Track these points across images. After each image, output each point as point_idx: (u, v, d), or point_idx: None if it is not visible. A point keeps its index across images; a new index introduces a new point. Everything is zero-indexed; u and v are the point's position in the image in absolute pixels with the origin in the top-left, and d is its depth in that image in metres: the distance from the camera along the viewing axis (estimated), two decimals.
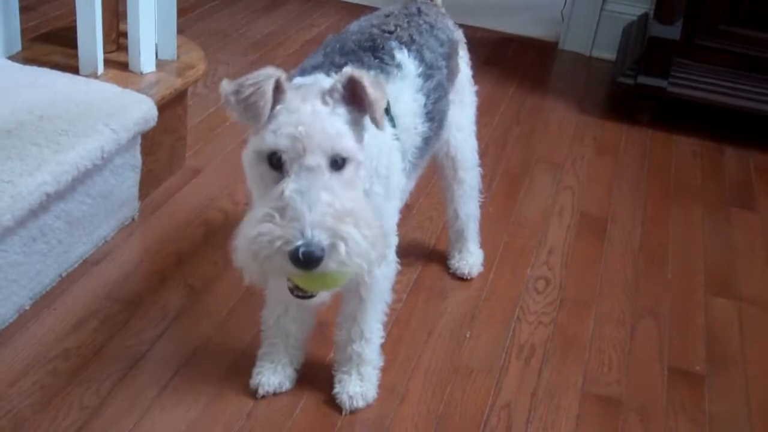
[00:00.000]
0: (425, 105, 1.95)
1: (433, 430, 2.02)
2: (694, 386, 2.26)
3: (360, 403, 2.03)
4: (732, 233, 2.98)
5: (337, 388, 2.05)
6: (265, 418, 1.99)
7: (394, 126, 1.87)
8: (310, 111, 1.55)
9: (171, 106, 2.66)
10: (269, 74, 1.53)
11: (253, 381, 2.05)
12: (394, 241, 1.96)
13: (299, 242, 1.46)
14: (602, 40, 4.28)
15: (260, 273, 1.54)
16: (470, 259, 2.55)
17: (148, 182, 2.64)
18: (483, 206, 2.57)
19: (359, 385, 2.04)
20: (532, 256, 2.70)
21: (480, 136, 2.63)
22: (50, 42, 2.74)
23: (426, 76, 1.97)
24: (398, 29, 2.01)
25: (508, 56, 4.27)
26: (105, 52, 2.63)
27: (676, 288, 2.64)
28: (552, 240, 2.80)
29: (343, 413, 2.02)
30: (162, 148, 2.70)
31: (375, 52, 1.89)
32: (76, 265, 2.36)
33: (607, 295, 2.57)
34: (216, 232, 2.61)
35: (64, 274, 2.32)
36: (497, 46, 4.39)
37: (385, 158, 1.80)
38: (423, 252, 2.65)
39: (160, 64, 2.69)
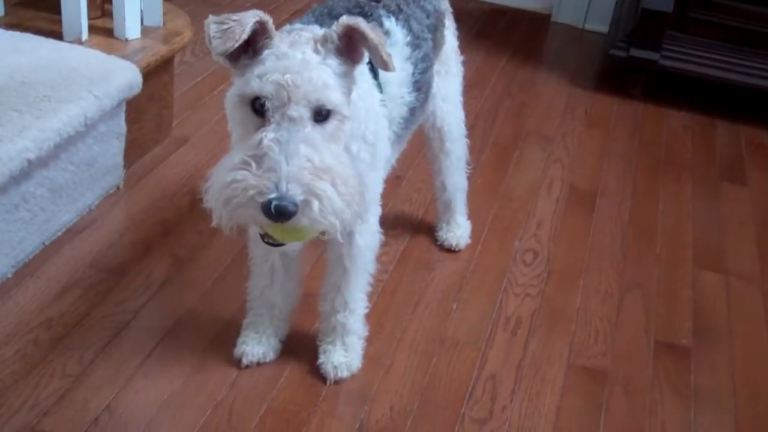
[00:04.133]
0: (413, 74, 1.93)
1: (418, 400, 2.01)
2: (680, 359, 2.26)
3: (344, 374, 2.02)
4: (722, 207, 2.97)
5: (322, 359, 2.04)
6: (248, 388, 1.98)
7: (381, 92, 1.84)
8: (299, 59, 1.53)
9: (157, 73, 2.62)
10: (255, 13, 1.53)
11: (238, 351, 2.04)
12: (377, 210, 1.95)
13: (273, 195, 1.44)
14: (595, 12, 4.24)
15: (230, 219, 1.52)
16: (458, 230, 2.54)
17: (133, 150, 2.61)
18: (471, 178, 2.55)
19: (344, 356, 2.03)
20: (520, 229, 2.69)
21: (470, 108, 2.61)
22: (34, 7, 2.69)
23: (414, 45, 1.95)
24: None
25: (500, 28, 4.23)
26: (90, 18, 2.60)
27: (664, 261, 2.63)
28: (541, 212, 2.78)
29: (328, 383, 2.02)
30: (147, 116, 2.67)
31: (364, 18, 1.86)
32: (59, 234, 2.34)
33: (594, 267, 2.56)
34: (201, 202, 2.57)
35: (47, 242, 2.30)
36: (489, 17, 4.35)
37: (372, 124, 1.78)
38: (411, 224, 2.64)
39: (146, 30, 2.65)
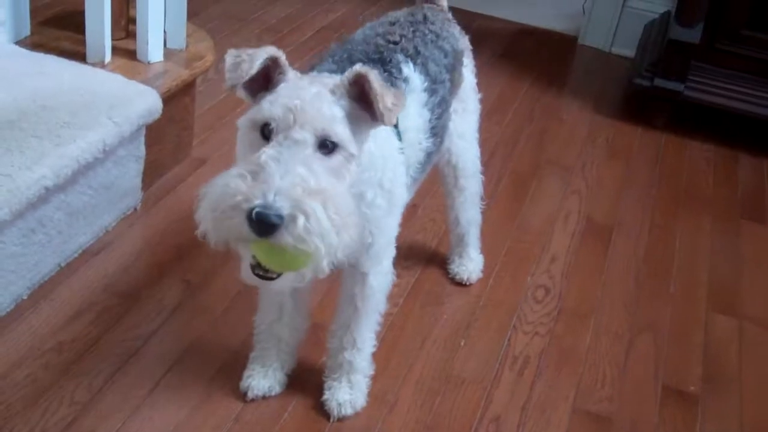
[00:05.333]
0: (430, 120, 1.94)
1: None
2: (688, 407, 2.24)
3: (348, 411, 2.03)
4: (740, 246, 2.94)
5: (327, 395, 2.05)
6: (253, 422, 2.00)
7: (400, 140, 1.86)
8: (313, 92, 1.56)
9: (178, 96, 2.65)
10: (267, 50, 1.57)
11: (244, 384, 2.06)
12: (392, 253, 1.96)
13: (258, 202, 1.43)
14: (623, 36, 4.21)
15: (215, 228, 1.50)
16: (470, 264, 2.54)
17: (152, 171, 2.64)
18: (488, 208, 2.56)
19: (348, 393, 2.04)
20: (533, 263, 2.68)
21: (491, 134, 2.60)
22: (59, 26, 2.73)
23: (431, 91, 1.95)
24: (403, 40, 1.99)
25: (527, 49, 4.22)
26: (114, 39, 2.63)
27: (677, 302, 2.62)
28: (555, 247, 2.78)
29: (331, 420, 2.03)
30: (167, 137, 2.69)
31: (383, 65, 1.88)
32: (75, 255, 2.37)
33: (606, 307, 2.55)
34: None
35: (63, 264, 2.33)
36: (516, 37, 4.34)
37: (390, 171, 1.79)
38: (424, 255, 2.64)
39: (168, 53, 2.68)
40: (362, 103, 1.60)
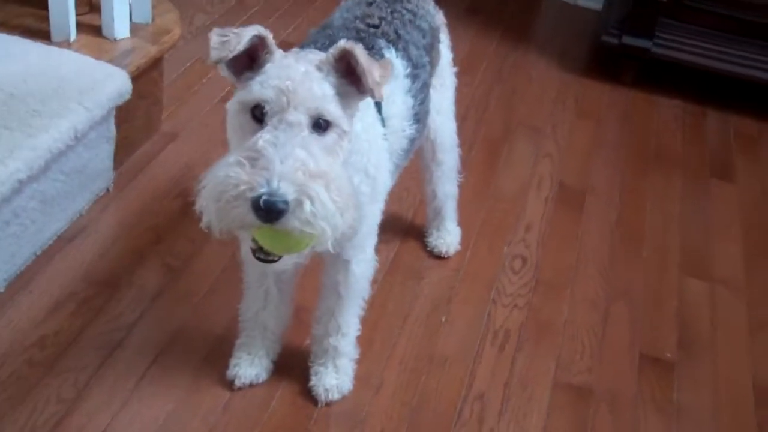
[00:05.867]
0: (413, 107, 1.93)
1: (407, 423, 2.06)
2: (664, 374, 2.30)
3: (335, 396, 2.06)
4: (709, 207, 2.99)
5: (313, 381, 2.07)
6: (241, 411, 2.02)
7: (384, 126, 1.84)
8: (302, 71, 1.54)
9: (146, 72, 2.59)
10: (255, 28, 1.55)
11: (230, 372, 2.06)
12: (374, 241, 1.96)
13: (263, 190, 1.43)
14: None
15: (220, 219, 1.50)
16: (447, 237, 2.56)
17: (122, 150, 2.59)
18: (461, 177, 2.55)
19: (335, 378, 2.06)
20: (509, 232, 2.70)
21: (462, 96, 2.58)
22: (21, 2, 2.63)
23: (413, 76, 1.94)
24: (383, 23, 1.96)
25: (492, 3, 4.17)
26: (78, 14, 2.55)
27: (650, 267, 2.67)
28: (530, 214, 2.80)
29: (319, 405, 2.05)
30: (136, 114, 2.64)
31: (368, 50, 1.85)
32: (50, 242, 2.33)
33: (582, 275, 2.59)
34: (193, 205, 2.57)
35: (38, 252, 2.29)
36: None
37: (374, 157, 1.79)
38: (401, 227, 2.65)
39: (135, 28, 2.61)
40: (349, 78, 1.59)
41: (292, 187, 1.44)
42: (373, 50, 1.87)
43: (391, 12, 2.01)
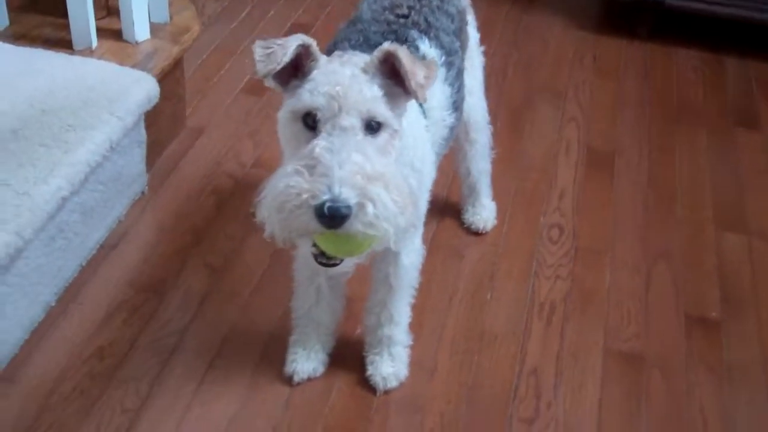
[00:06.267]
0: (451, 95, 1.94)
1: (465, 403, 2.08)
2: (711, 334, 2.32)
3: (393, 383, 2.08)
4: (738, 157, 2.99)
5: (370, 370, 2.09)
6: (302, 406, 2.04)
7: (425, 118, 1.85)
8: (348, 74, 1.55)
9: (170, 73, 2.58)
10: (299, 37, 1.56)
11: (288, 368, 2.09)
12: (421, 231, 1.97)
13: (326, 197, 1.44)
14: None
15: (283, 228, 1.51)
16: (483, 213, 2.56)
17: (152, 151, 2.59)
18: (494, 152, 2.55)
19: (391, 366, 2.09)
20: (543, 202, 2.71)
21: None
22: (38, 11, 2.62)
23: (448, 64, 1.94)
24: (412, 13, 1.95)
25: None
26: (96, 19, 2.53)
27: (686, 226, 2.67)
28: (561, 181, 2.80)
29: (378, 394, 2.08)
30: (163, 114, 2.63)
31: (402, 44, 1.85)
32: (94, 252, 2.35)
33: (619, 239, 2.60)
34: (227, 202, 2.59)
35: (83, 263, 2.31)
36: None
37: (419, 151, 1.81)
38: (436, 207, 2.63)
39: (154, 28, 2.60)
40: (394, 79, 1.59)
41: (354, 191, 1.45)
42: (407, 42, 1.87)
43: (419, 0, 2.00)
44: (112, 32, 2.57)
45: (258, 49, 1.57)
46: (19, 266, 1.98)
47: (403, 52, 1.55)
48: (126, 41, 2.54)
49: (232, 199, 2.60)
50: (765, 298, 2.44)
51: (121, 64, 2.42)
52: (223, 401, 2.04)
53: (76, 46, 2.46)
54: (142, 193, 2.56)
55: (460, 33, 2.09)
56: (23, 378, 2.03)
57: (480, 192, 2.54)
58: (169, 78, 2.59)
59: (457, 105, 1.97)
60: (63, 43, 2.48)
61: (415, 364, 2.14)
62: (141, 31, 2.52)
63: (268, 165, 2.73)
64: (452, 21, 2.05)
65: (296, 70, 1.60)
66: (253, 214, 1.56)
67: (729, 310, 2.40)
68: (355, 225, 1.46)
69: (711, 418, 2.11)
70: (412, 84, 1.55)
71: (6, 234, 1.88)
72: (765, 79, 3.43)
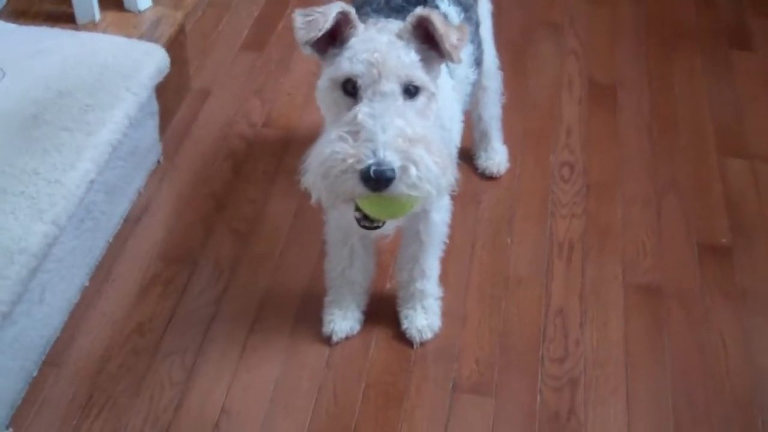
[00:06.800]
0: (473, 53, 1.97)
1: (498, 348, 2.17)
2: (723, 260, 2.41)
3: (428, 335, 2.16)
4: (734, 80, 3.03)
5: (405, 324, 2.17)
6: (343, 364, 2.12)
7: (452, 78, 1.88)
8: (385, 41, 1.59)
9: (175, 39, 2.57)
10: (339, 4, 1.60)
11: (326, 329, 2.16)
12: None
13: (371, 161, 1.48)
14: None
15: (329, 192, 1.56)
16: (496, 157, 2.61)
17: (162, 119, 2.60)
18: (503, 98, 2.58)
19: (425, 318, 2.16)
20: (551, 140, 2.76)
21: None
22: None
23: (467, 20, 1.97)
24: None
25: None
26: None
27: (690, 154, 2.73)
28: (567, 118, 2.84)
29: (415, 347, 2.16)
30: (170, 81, 2.61)
31: (423, 6, 1.86)
32: (119, 227, 2.38)
33: (628, 172, 2.66)
34: (243, 164, 2.61)
35: (111, 240, 2.34)
36: None
37: (448, 110, 1.86)
38: None
39: None
40: (428, 44, 1.63)
41: (397, 154, 1.49)
42: (425, 2, 1.88)
43: None
44: (113, 2, 2.54)
45: (298, 17, 1.60)
46: (55, 252, 2.02)
47: (436, 16, 1.59)
48: (128, 10, 2.51)
49: (247, 161, 2.62)
50: None
51: (128, 35, 2.41)
52: (266, 366, 2.11)
53: (80, 20, 2.45)
54: (158, 162, 2.57)
55: None
56: (69, 361, 2.09)
57: (492, 137, 2.58)
58: (175, 44, 2.58)
59: (478, 61, 2.00)
60: (65, 17, 2.46)
61: (446, 314, 2.21)
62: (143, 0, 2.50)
63: (278, 124, 2.76)
64: None
65: (333, 38, 1.63)
66: (299, 181, 1.61)
67: (738, 235, 2.48)
68: (399, 187, 1.51)
69: (730, 342, 2.21)
70: (447, 46, 1.59)
71: (44, 224, 1.91)
72: None
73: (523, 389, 2.09)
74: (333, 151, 1.52)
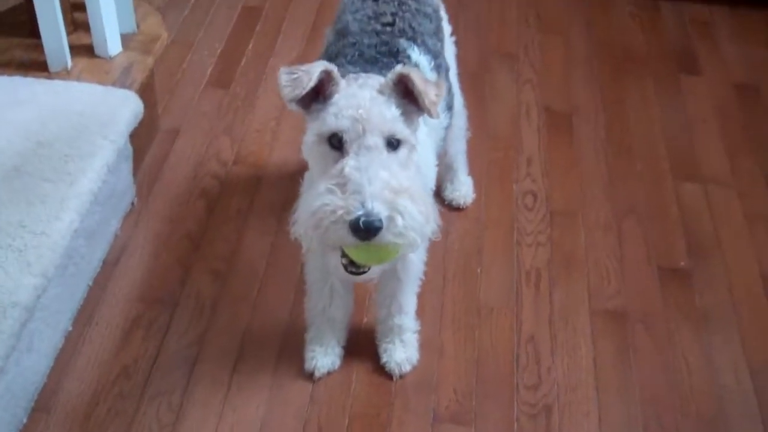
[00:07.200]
0: (445, 98, 2.04)
1: (474, 378, 2.25)
2: (684, 283, 2.53)
3: (407, 368, 2.24)
4: (684, 104, 3.18)
5: (385, 358, 2.24)
6: (327, 399, 2.19)
7: (425, 125, 1.96)
8: (367, 97, 1.68)
9: (146, 84, 2.61)
10: (321, 63, 1.69)
11: (308, 365, 2.22)
12: None
13: (360, 212, 1.57)
14: None
15: (320, 242, 1.64)
16: (462, 188, 2.70)
17: (134, 160, 2.63)
18: (469, 133, 2.68)
19: (403, 351, 2.24)
20: (514, 170, 2.86)
21: None
22: (3, 33, 2.60)
23: (437, 67, 2.05)
24: (396, 19, 2.06)
25: None
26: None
27: (646, 179, 2.86)
28: (527, 147, 2.95)
29: (395, 379, 2.23)
30: (141, 123, 2.66)
31: (396, 57, 1.96)
32: (98, 270, 2.41)
33: (589, 199, 2.77)
34: (216, 203, 2.67)
35: (91, 284, 2.38)
36: None
37: (423, 156, 1.93)
38: None
39: (123, 39, 2.61)
40: (407, 98, 1.72)
41: (384, 205, 1.58)
42: (399, 53, 1.98)
43: (399, 4, 2.09)
44: (83, 48, 2.58)
45: (283, 76, 1.68)
46: (42, 300, 2.05)
47: (415, 74, 1.68)
48: (99, 57, 2.55)
49: (220, 199, 2.68)
50: (727, 243, 2.66)
51: (101, 82, 2.45)
52: (252, 404, 2.16)
53: (52, 68, 2.48)
54: (132, 204, 2.61)
55: (438, 31, 2.20)
56: (58, 406, 2.12)
57: (457, 169, 2.67)
58: (146, 88, 2.62)
59: (449, 105, 2.09)
60: (37, 65, 2.49)
61: (423, 345, 2.29)
62: (113, 45, 2.54)
63: (247, 161, 2.82)
64: (431, 21, 2.16)
65: (316, 94, 1.71)
66: (288, 232, 1.69)
67: (696, 258, 2.61)
68: (386, 236, 1.60)
69: (693, 361, 2.32)
70: (426, 102, 1.68)
71: (33, 277, 1.94)
72: (698, 20, 3.61)
73: (500, 417, 2.17)
74: (323, 204, 1.60)
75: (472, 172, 2.76)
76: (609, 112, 3.11)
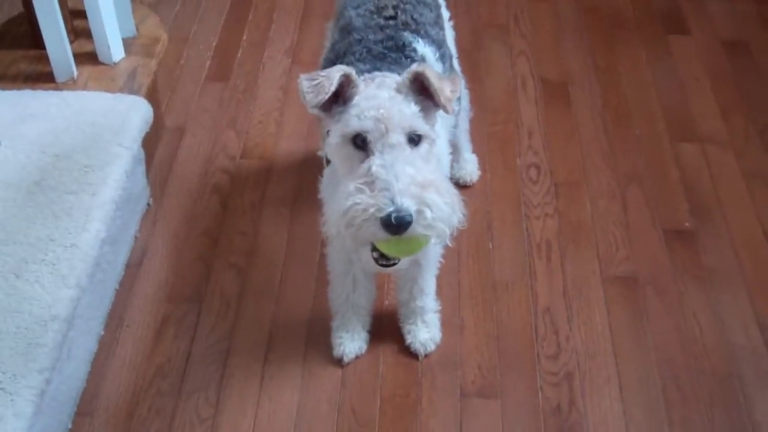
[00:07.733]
0: None
1: (496, 351, 2.34)
2: (689, 244, 2.61)
3: (431, 347, 2.32)
4: (675, 65, 3.24)
5: (409, 339, 2.33)
6: (357, 383, 2.27)
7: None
8: (386, 96, 1.75)
9: (152, 86, 2.65)
10: (340, 68, 1.75)
11: (337, 351, 2.30)
12: None
13: (390, 209, 1.64)
14: None
15: (353, 239, 1.72)
16: (467, 166, 2.77)
17: (145, 161, 2.68)
18: (471, 112, 2.74)
19: (426, 332, 2.32)
20: (516, 143, 2.92)
21: None
22: (6, 47, 2.63)
23: (442, 56, 2.11)
24: (399, 12, 2.10)
25: None
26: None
27: (645, 143, 2.93)
28: (526, 119, 3.01)
29: (420, 359, 2.32)
30: None
31: (402, 52, 2.01)
32: (123, 273, 2.47)
33: (591, 168, 2.84)
34: (229, 197, 2.72)
35: (117, 287, 2.44)
36: None
37: (439, 147, 1.98)
38: None
39: (125, 44, 2.65)
40: (423, 95, 1.78)
41: (412, 200, 1.65)
42: (406, 48, 2.02)
43: None
44: (86, 56, 2.61)
45: (304, 83, 1.75)
46: (77, 309, 2.11)
47: (430, 72, 1.74)
48: (103, 63, 2.59)
49: (233, 194, 2.73)
50: (727, 201, 2.74)
51: (108, 89, 2.49)
52: (286, 393, 2.24)
53: (59, 78, 2.51)
54: (148, 205, 2.67)
55: (438, 19, 2.24)
56: (100, 409, 2.20)
57: (462, 148, 2.73)
58: (151, 91, 2.66)
59: (458, 95, 2.14)
60: (44, 77, 2.53)
61: (445, 324, 2.37)
62: (116, 51, 2.58)
63: (254, 154, 2.87)
64: (431, 10, 2.20)
65: (336, 97, 1.77)
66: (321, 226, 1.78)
67: (699, 218, 2.69)
68: (416, 229, 1.67)
69: (704, 321, 2.41)
70: (442, 99, 1.75)
71: (68, 289, 2.01)
72: None
73: (524, 388, 2.27)
74: (354, 203, 1.66)
75: (475, 148, 2.82)
76: (603, 79, 3.17)
